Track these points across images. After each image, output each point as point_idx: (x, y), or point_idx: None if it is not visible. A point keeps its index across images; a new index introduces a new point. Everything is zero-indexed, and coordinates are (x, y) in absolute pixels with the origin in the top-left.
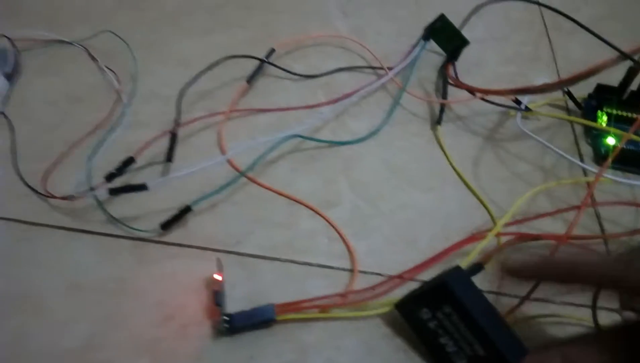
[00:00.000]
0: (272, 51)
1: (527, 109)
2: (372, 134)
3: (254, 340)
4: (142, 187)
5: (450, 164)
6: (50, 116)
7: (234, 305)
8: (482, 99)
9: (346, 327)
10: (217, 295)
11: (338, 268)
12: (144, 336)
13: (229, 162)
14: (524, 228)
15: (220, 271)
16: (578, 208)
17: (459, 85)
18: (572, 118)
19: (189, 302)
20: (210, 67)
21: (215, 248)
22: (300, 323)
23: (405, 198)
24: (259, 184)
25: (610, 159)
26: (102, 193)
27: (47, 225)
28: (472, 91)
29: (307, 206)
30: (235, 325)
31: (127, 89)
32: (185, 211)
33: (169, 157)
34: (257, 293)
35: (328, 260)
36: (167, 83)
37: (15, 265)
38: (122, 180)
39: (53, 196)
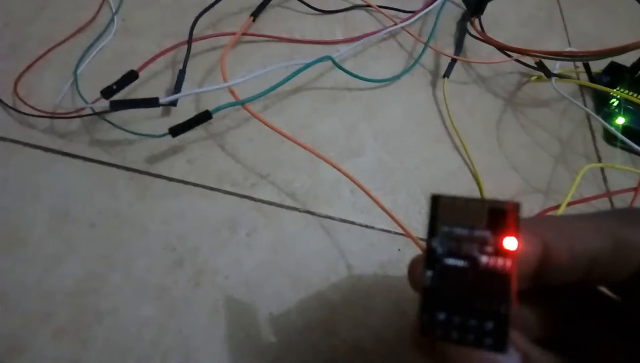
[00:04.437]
0: None
1: (556, 75)
2: (394, 79)
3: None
4: (152, 102)
5: (452, 122)
6: (21, 6)
7: (256, 254)
8: (518, 61)
9: None
10: None
11: (361, 225)
12: (149, 281)
13: (230, 91)
14: None
15: None
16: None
17: (490, 41)
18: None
19: (202, 247)
20: None
21: (227, 189)
22: None
23: (428, 153)
24: (270, 126)
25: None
26: (101, 107)
27: (20, 142)
28: (504, 49)
29: (327, 162)
30: None
31: None
32: (203, 117)
33: (183, 70)
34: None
35: (351, 215)
36: None
37: None
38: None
39: (33, 108)
